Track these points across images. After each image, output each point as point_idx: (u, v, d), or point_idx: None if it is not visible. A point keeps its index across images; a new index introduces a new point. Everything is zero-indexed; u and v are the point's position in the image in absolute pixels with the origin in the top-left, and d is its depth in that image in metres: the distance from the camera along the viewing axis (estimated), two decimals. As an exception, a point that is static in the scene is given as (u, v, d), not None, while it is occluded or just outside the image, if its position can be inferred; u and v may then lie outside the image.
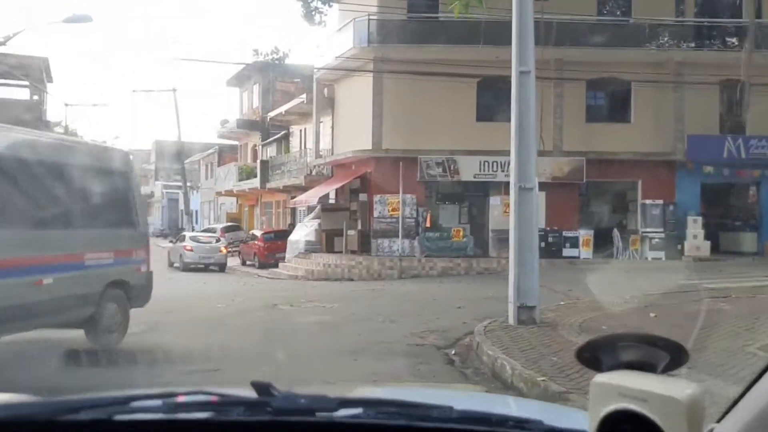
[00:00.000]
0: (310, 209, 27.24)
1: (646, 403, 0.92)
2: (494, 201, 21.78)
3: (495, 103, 21.38)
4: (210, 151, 45.31)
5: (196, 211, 50.99)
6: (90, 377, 6.58)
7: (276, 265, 25.08)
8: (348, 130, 24.19)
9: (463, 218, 22.53)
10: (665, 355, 1.02)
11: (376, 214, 21.88)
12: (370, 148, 21.88)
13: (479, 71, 20.63)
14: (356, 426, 1.33)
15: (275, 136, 32.14)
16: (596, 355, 1.04)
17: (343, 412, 1.33)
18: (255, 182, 31.77)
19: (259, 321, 11.80)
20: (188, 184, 46.14)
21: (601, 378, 0.99)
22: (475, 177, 21.73)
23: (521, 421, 1.32)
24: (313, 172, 26.27)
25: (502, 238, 21.09)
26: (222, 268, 26.68)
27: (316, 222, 24.49)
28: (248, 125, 35.87)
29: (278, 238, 27.00)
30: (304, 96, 26.39)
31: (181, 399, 1.37)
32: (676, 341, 1.03)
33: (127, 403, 1.35)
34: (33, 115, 32.15)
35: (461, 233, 21.83)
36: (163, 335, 9.82)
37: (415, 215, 21.83)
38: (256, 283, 20.17)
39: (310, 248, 24.02)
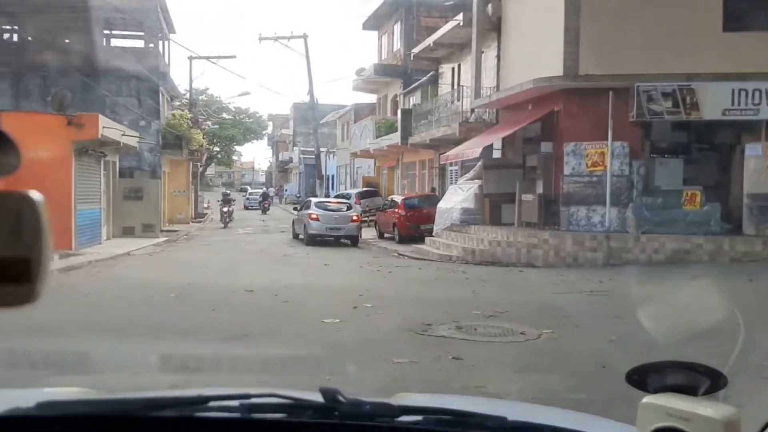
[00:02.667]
0: (465, 168, 20.91)
1: (688, 422, 1.01)
2: (752, 150, 14.35)
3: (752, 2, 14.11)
4: (346, 108, 40.09)
5: (332, 176, 46.31)
6: None
7: (421, 239, 19.10)
8: (523, 56, 17.47)
9: (695, 176, 15.19)
10: (706, 380, 1.11)
11: (567, 170, 15.16)
12: (560, 74, 15.10)
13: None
14: None
15: (420, 81, 25.96)
16: (644, 378, 1.14)
17: (403, 419, 1.40)
18: (395, 138, 25.89)
19: (404, 371, 5.73)
20: (324, 148, 41.60)
21: (649, 399, 1.10)
22: (724, 114, 14.33)
23: None
24: (471, 118, 19.87)
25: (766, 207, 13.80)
26: (354, 241, 21.11)
27: (475, 184, 18.12)
28: (388, 71, 29.98)
29: (423, 205, 20.97)
30: (460, 16, 19.88)
31: (255, 401, 1.42)
32: (715, 368, 1.11)
33: (206, 402, 1.42)
34: (147, 65, 28.33)
35: (697, 199, 14.60)
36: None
37: (627, 172, 14.88)
38: (395, 268, 14.25)
39: (468, 219, 17.74)
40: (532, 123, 16.39)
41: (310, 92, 32.34)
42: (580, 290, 10.41)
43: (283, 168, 70.83)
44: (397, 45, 30.45)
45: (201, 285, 10.54)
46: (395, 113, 29.89)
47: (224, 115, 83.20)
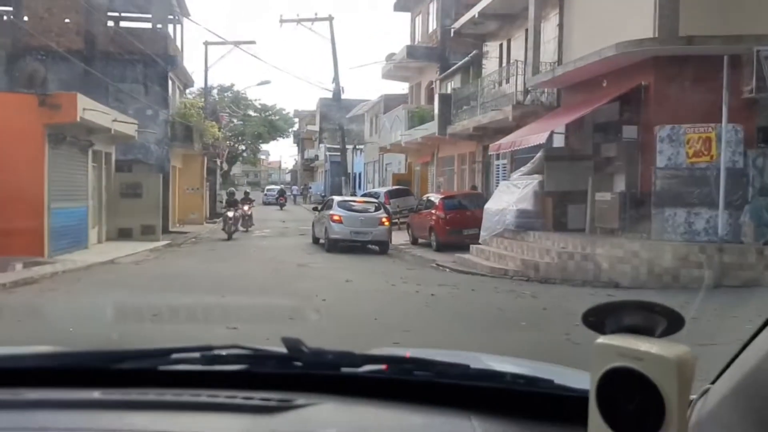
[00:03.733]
0: (516, 161, 17.55)
1: (641, 362, 0.98)
2: None
3: None
4: (375, 100, 36.85)
5: (359, 174, 43.16)
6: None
7: (464, 247, 15.81)
8: (594, 21, 14.06)
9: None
10: (662, 320, 1.06)
11: (660, 161, 11.70)
12: (651, 36, 11.67)
13: None
14: (378, 380, 1.39)
15: (460, 63, 22.59)
16: (600, 319, 1.09)
17: (366, 368, 1.40)
18: (431, 128, 22.58)
19: None
20: (351, 145, 38.46)
21: (602, 339, 1.05)
22: None
23: (533, 379, 1.38)
24: (527, 100, 16.49)
25: None
26: (383, 248, 17.86)
27: (533, 180, 14.72)
28: (423, 54, 26.64)
29: (466, 206, 17.64)
30: (512, -21, 16.52)
31: (217, 352, 1.41)
32: (673, 308, 1.06)
33: (168, 355, 1.42)
34: (155, 48, 25.43)
35: (837, 200, 11.06)
36: None
37: (740, 164, 11.39)
38: (438, 287, 10.91)
39: (525, 223, 14.36)
40: (609, 102, 12.96)
41: (336, 80, 29.14)
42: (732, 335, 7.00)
43: (308, 166, 67.89)
44: (433, 25, 27.11)
45: (166, 316, 7.40)
46: (430, 103, 26.57)
47: (250, 112, 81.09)
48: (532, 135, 13.63)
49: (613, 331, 1.07)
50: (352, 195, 26.97)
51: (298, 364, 1.39)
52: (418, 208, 19.69)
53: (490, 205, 15.71)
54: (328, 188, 53.64)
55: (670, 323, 1.07)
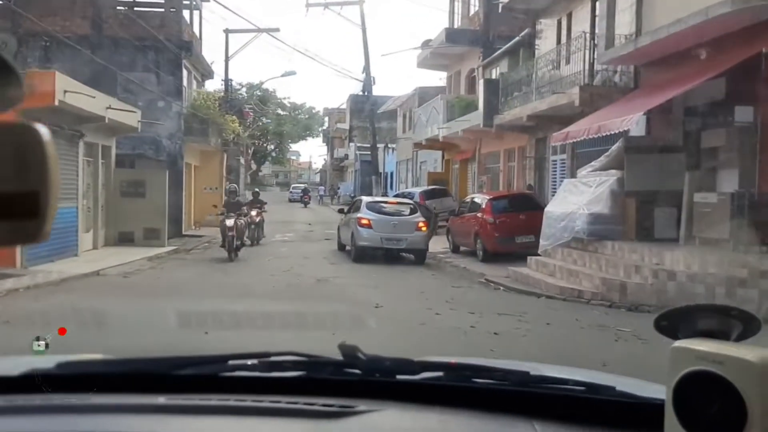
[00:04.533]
0: (579, 158, 14.76)
1: (721, 365, 0.95)
2: None
3: None
4: (409, 93, 34.15)
5: (391, 174, 40.54)
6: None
7: (517, 258, 13.10)
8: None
9: None
10: (738, 324, 1.04)
11: (795, 151, 8.80)
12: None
13: None
14: (435, 387, 1.38)
15: (508, 45, 19.77)
16: (673, 323, 1.06)
17: (424, 375, 1.39)
18: (474, 119, 19.80)
19: None
20: (382, 144, 35.88)
21: (680, 343, 1.02)
22: None
23: (595, 386, 1.36)
24: (596, 80, 13.66)
25: None
26: (420, 258, 15.20)
27: (610, 177, 11.84)
28: (464, 38, 23.83)
29: (519, 209, 14.86)
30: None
31: (274, 359, 1.42)
32: (749, 311, 1.04)
33: (226, 362, 1.44)
34: (167, 34, 23.12)
35: None
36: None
37: None
38: (499, 317, 8.17)
39: (600, 230, 11.53)
40: (713, 78, 10.09)
41: (366, 69, 26.53)
42: None
43: (338, 166, 65.43)
44: (475, 6, 24.33)
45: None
46: (471, 93, 23.81)
47: (279, 111, 79.07)
48: (615, 119, 10.78)
49: (687, 336, 1.03)
50: (383, 196, 24.35)
51: (355, 371, 1.40)
52: (460, 211, 16.93)
53: (553, 208, 12.92)
54: (358, 189, 51.09)
55: (746, 327, 1.04)
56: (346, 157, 59.97)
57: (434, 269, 14.48)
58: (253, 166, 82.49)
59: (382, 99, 40.59)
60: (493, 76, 20.65)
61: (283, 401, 1.32)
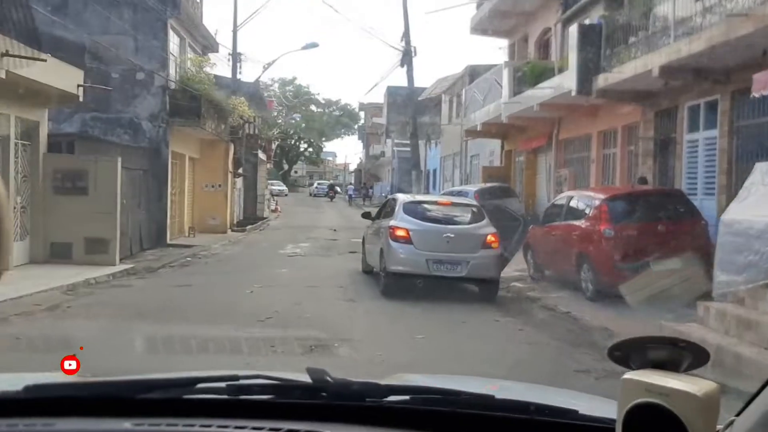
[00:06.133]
0: (733, 130, 8.88)
1: (667, 397, 1.00)
2: None
3: None
4: (457, 74, 28.37)
5: (434, 171, 34.86)
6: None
7: (659, 299, 7.27)
8: None
9: None
10: (688, 355, 1.08)
11: None
12: None
13: None
14: (403, 411, 1.38)
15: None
16: (626, 353, 1.11)
17: (391, 399, 1.40)
18: (561, 84, 13.92)
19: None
20: (422, 140, 30.28)
21: (630, 375, 1.07)
22: None
23: (559, 410, 1.38)
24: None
25: None
26: (490, 292, 9.51)
27: None
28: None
29: (655, 215, 9.04)
30: None
31: (243, 382, 1.40)
32: (698, 344, 1.09)
33: (194, 385, 1.42)
34: (176, 13, 18.00)
35: None
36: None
37: None
38: None
39: None
40: None
41: (406, 35, 20.89)
42: None
43: (374, 164, 59.91)
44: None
45: None
46: (544, 56, 18.02)
47: (313, 108, 73.95)
48: None
49: (638, 366, 1.08)
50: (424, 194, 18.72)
51: (323, 394, 1.40)
52: (546, 218, 11.14)
53: (738, 216, 7.09)
54: (396, 189, 45.55)
55: (696, 358, 1.08)
56: (383, 154, 54.39)
57: (515, 314, 8.73)
58: (285, 166, 77.81)
59: (420, 91, 35.34)
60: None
61: (249, 426, 1.32)
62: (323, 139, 78.34)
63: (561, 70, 14.54)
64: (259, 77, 26.04)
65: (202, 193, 22.31)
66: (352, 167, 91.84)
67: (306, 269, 12.96)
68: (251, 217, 28.75)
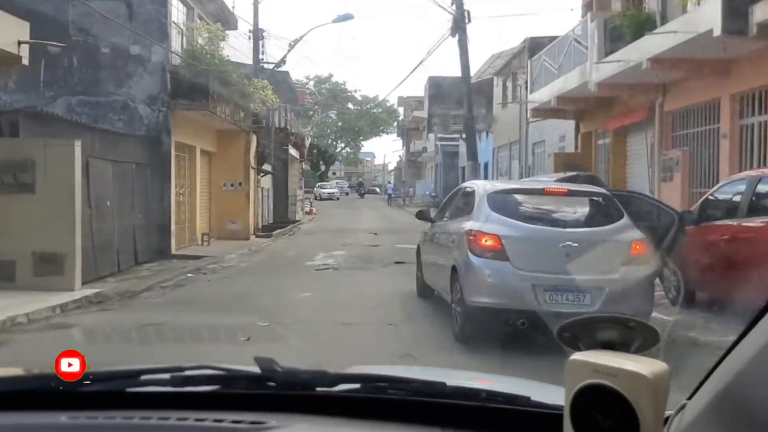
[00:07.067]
0: None
1: (615, 378, 0.98)
2: None
3: None
4: (515, 48, 24.38)
5: (485, 165, 30.92)
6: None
7: None
8: None
9: None
10: (638, 335, 1.05)
11: None
12: None
13: None
14: (353, 399, 1.37)
15: None
16: (575, 334, 1.08)
17: (341, 387, 1.37)
18: (685, 25, 9.97)
19: None
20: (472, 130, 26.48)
21: (577, 356, 1.04)
22: None
23: (510, 396, 1.37)
24: None
25: None
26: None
27: None
28: None
29: None
30: None
31: (188, 373, 1.37)
32: (649, 324, 1.06)
33: (138, 377, 1.39)
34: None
35: None
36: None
37: None
38: None
39: None
40: None
41: (457, -3, 17.10)
42: None
43: (414, 162, 56.12)
44: None
45: None
46: (638, 4, 14.04)
47: (349, 105, 70.53)
48: None
49: (587, 347, 1.05)
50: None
51: (272, 384, 1.37)
52: (701, 217, 7.25)
53: None
54: (440, 188, 41.61)
55: (646, 339, 1.06)
56: (424, 150, 50.58)
57: (678, 373, 4.96)
58: (322, 167, 74.66)
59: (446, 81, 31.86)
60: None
61: (191, 418, 1.29)
62: (360, 138, 75.01)
63: (666, 19, 10.66)
64: (285, 56, 22.25)
65: (219, 194, 18.96)
66: (391, 167, 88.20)
67: (338, 291, 9.35)
68: (281, 221, 25.31)
